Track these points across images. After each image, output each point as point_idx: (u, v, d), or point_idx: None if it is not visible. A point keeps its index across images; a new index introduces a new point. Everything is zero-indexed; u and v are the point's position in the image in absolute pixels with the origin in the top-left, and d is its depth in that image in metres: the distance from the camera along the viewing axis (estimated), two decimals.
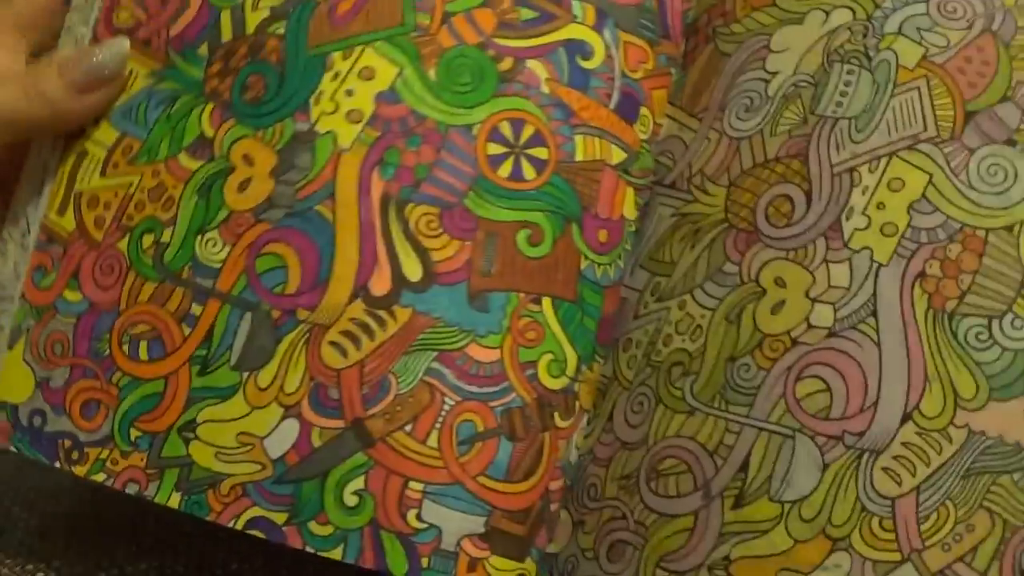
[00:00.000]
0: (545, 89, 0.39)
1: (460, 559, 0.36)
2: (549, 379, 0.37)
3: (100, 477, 0.38)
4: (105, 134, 0.41)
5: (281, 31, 0.39)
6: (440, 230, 0.37)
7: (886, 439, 0.32)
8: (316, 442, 0.36)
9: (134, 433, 0.38)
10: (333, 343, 0.37)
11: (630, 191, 0.39)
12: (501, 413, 0.37)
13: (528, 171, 0.38)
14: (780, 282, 0.35)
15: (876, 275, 0.34)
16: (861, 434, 0.32)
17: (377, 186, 0.37)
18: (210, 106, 0.39)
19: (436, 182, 0.38)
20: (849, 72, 0.36)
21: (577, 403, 0.38)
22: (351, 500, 0.36)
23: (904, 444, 0.32)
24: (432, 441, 0.36)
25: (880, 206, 0.34)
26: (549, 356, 0.37)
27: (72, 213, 0.41)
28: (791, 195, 0.36)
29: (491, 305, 0.37)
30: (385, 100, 0.38)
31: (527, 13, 0.40)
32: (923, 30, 0.36)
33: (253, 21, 0.40)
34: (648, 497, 0.35)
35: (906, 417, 0.32)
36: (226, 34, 0.40)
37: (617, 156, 0.39)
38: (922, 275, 0.33)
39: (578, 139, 0.39)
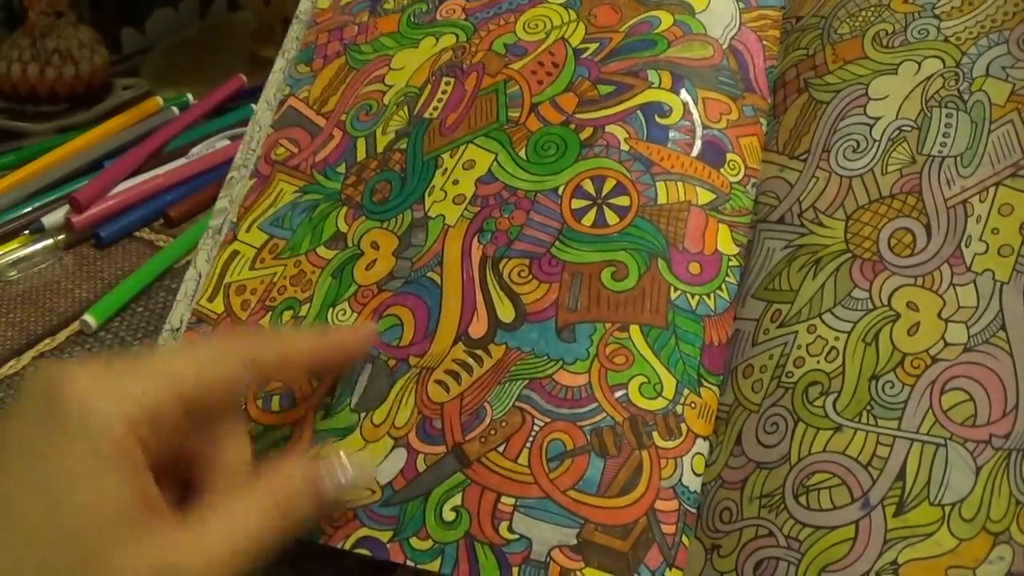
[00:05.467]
0: (624, 147, 0.43)
1: (551, 569, 0.37)
2: (643, 400, 0.40)
3: None
4: (255, 238, 0.47)
5: (404, 146, 0.47)
6: (530, 276, 0.42)
7: None
8: (421, 467, 0.40)
9: None
10: (438, 381, 0.41)
11: (724, 228, 0.43)
12: (590, 431, 0.39)
13: (611, 217, 0.42)
14: (913, 306, 0.38)
15: (1000, 293, 0.37)
16: (1007, 436, 0.36)
17: (476, 250, 0.43)
18: (345, 208, 0.46)
19: (526, 239, 0.43)
20: (948, 115, 0.40)
21: (683, 425, 0.40)
22: (449, 516, 0.39)
23: None
24: (523, 459, 0.39)
25: (995, 231, 0.38)
26: (641, 379, 0.40)
27: (221, 299, 0.46)
28: (911, 228, 0.39)
29: (578, 335, 0.41)
30: (483, 182, 0.44)
31: (605, 89, 0.45)
32: (1007, 68, 0.40)
33: (383, 142, 0.47)
34: (798, 512, 0.38)
35: None
36: (360, 155, 0.48)
37: (704, 197, 0.43)
38: None
39: (659, 185, 0.43)
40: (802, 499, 0.38)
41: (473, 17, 0.49)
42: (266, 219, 0.48)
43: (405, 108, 0.48)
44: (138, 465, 0.32)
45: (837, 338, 0.39)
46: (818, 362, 0.39)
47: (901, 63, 0.42)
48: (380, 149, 0.47)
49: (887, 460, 0.37)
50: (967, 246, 0.38)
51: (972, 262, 0.38)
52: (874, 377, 0.38)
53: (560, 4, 0.48)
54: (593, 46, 0.46)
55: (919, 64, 0.42)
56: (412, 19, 0.50)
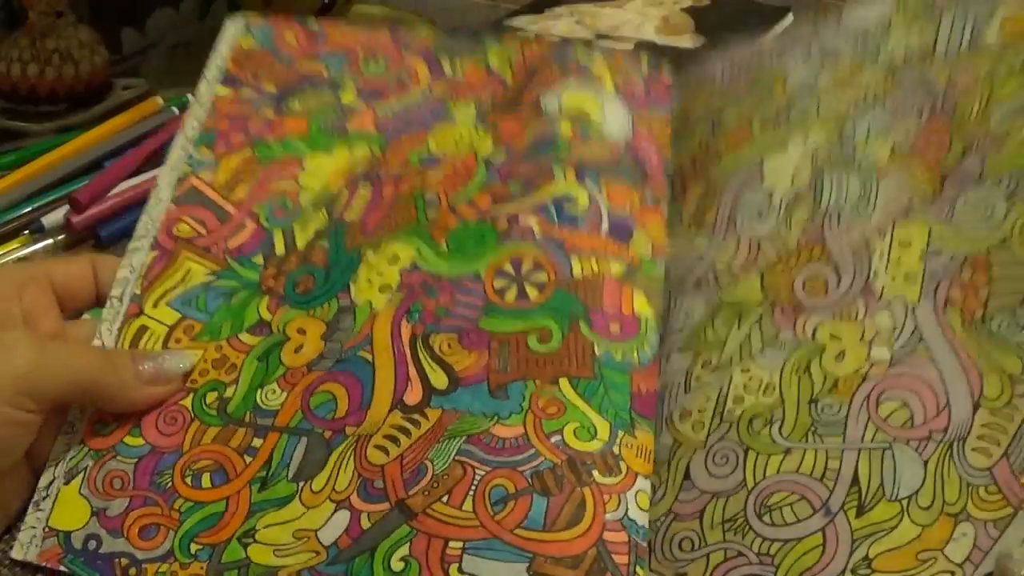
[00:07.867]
0: (539, 234, 0.47)
1: None
2: (578, 442, 0.41)
3: None
4: (165, 315, 0.47)
5: (326, 244, 0.48)
6: (460, 348, 0.44)
7: (966, 427, 0.38)
8: (365, 524, 0.40)
9: (194, 547, 0.41)
10: (377, 446, 0.42)
11: (639, 293, 0.46)
12: (531, 474, 0.41)
13: (531, 292, 0.46)
14: (836, 337, 0.42)
15: (913, 313, 0.41)
16: (945, 430, 0.38)
17: (406, 329, 0.45)
18: (267, 298, 0.47)
19: (453, 316, 0.45)
20: (838, 176, 0.45)
21: (623, 464, 0.41)
22: (398, 566, 0.39)
23: (983, 425, 0.38)
24: (467, 506, 0.40)
25: (898, 262, 0.42)
26: (575, 424, 0.42)
27: None
28: (822, 273, 0.43)
29: (510, 393, 0.43)
30: (407, 272, 0.47)
31: (515, 186, 0.49)
32: (886, 128, 0.46)
33: (303, 240, 0.49)
34: (764, 530, 0.39)
35: (976, 406, 0.38)
36: (279, 249, 0.49)
37: (616, 269, 0.46)
38: (948, 301, 0.41)
39: (574, 261, 0.46)
40: (765, 518, 0.39)
41: (384, 131, 0.52)
42: (175, 297, 0.47)
43: (324, 210, 0.49)
44: (9, 305, 0.44)
45: (771, 374, 0.42)
46: (756, 397, 0.42)
47: (788, 139, 0.48)
48: (300, 246, 0.48)
49: (839, 471, 0.39)
50: (875, 279, 0.42)
51: (882, 293, 0.42)
52: (812, 401, 0.41)
53: (468, 124, 0.52)
54: (502, 155, 0.51)
55: (806, 135, 0.47)
56: (321, 126, 0.53)
